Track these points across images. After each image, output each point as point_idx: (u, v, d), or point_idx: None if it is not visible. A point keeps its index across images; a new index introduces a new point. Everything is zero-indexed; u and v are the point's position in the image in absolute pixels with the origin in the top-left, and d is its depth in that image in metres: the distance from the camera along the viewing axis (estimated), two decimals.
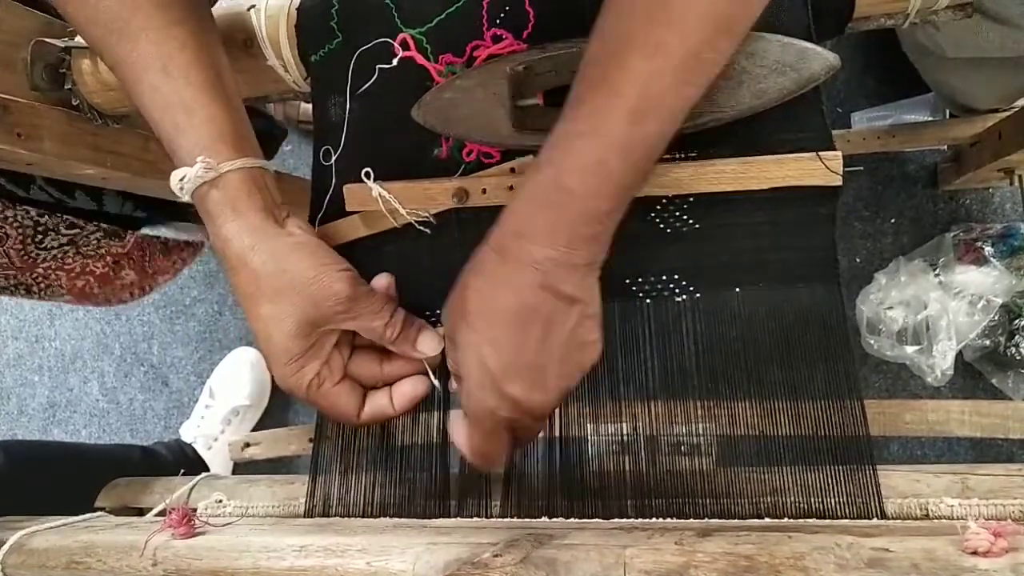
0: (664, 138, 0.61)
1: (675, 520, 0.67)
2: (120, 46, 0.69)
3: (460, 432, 0.68)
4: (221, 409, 1.79)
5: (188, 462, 1.70)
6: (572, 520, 0.70)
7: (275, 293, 0.68)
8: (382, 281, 0.76)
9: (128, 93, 0.72)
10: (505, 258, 0.61)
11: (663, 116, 0.59)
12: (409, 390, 0.74)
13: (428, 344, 0.73)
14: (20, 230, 1.06)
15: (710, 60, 0.59)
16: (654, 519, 0.68)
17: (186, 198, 0.69)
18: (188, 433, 1.79)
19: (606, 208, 0.60)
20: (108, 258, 1.19)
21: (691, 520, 0.67)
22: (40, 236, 1.09)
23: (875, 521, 0.63)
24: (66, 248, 1.13)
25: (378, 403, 0.74)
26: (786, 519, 0.65)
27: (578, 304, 0.62)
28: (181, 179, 0.68)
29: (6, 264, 1.08)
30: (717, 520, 0.67)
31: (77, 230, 1.12)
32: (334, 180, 0.79)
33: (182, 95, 0.69)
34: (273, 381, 1.81)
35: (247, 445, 1.34)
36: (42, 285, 1.15)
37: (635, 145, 0.59)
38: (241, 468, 1.69)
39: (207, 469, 1.70)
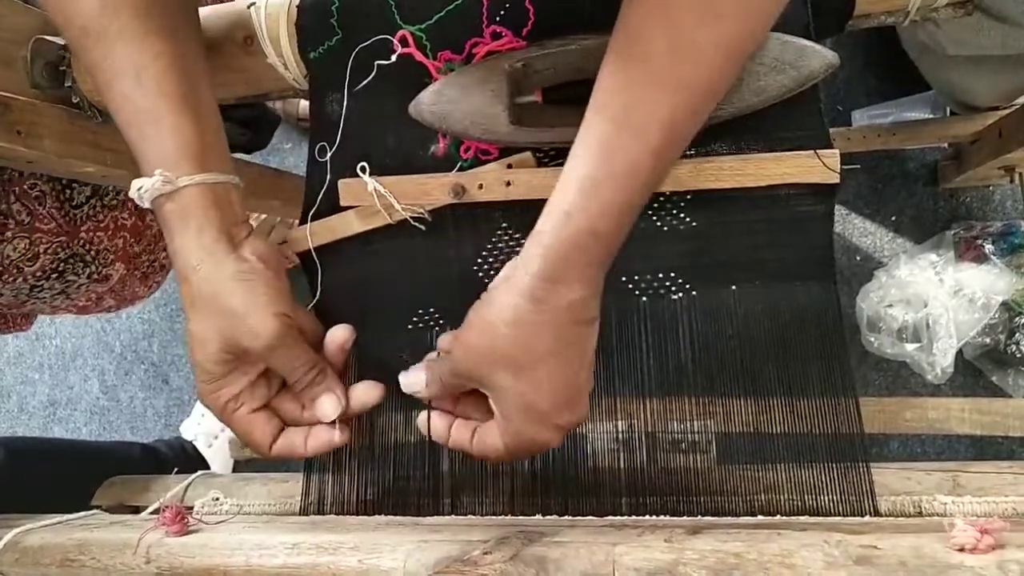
0: (674, 163, 0.64)
1: (665, 518, 0.68)
2: (95, 50, 0.69)
3: (457, 430, 0.70)
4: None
5: (189, 460, 1.70)
6: (563, 518, 0.70)
7: (206, 314, 0.68)
8: (338, 334, 0.76)
9: (101, 97, 0.72)
10: (540, 305, 0.61)
11: (679, 146, 0.62)
12: (325, 436, 0.73)
13: (328, 406, 0.72)
14: (49, 183, 1.07)
15: (721, 88, 0.61)
16: (646, 517, 0.68)
17: (146, 205, 0.69)
18: (189, 431, 1.79)
19: (623, 237, 0.62)
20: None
21: (681, 518, 0.67)
22: (68, 190, 1.10)
23: (864, 519, 0.64)
24: (93, 202, 1.14)
25: (291, 440, 0.73)
26: (779, 516, 0.65)
27: (596, 321, 0.64)
28: (139, 189, 0.68)
29: (55, 229, 1.08)
30: (707, 518, 0.67)
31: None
32: (329, 176, 0.79)
33: (151, 104, 0.68)
34: None
35: None
36: (92, 253, 1.16)
37: (657, 178, 0.62)
38: (242, 466, 1.69)
39: (207, 467, 1.70)
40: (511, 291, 0.62)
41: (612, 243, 0.61)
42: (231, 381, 0.70)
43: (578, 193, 0.60)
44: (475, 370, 0.65)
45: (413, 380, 0.71)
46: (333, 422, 0.72)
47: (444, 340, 0.72)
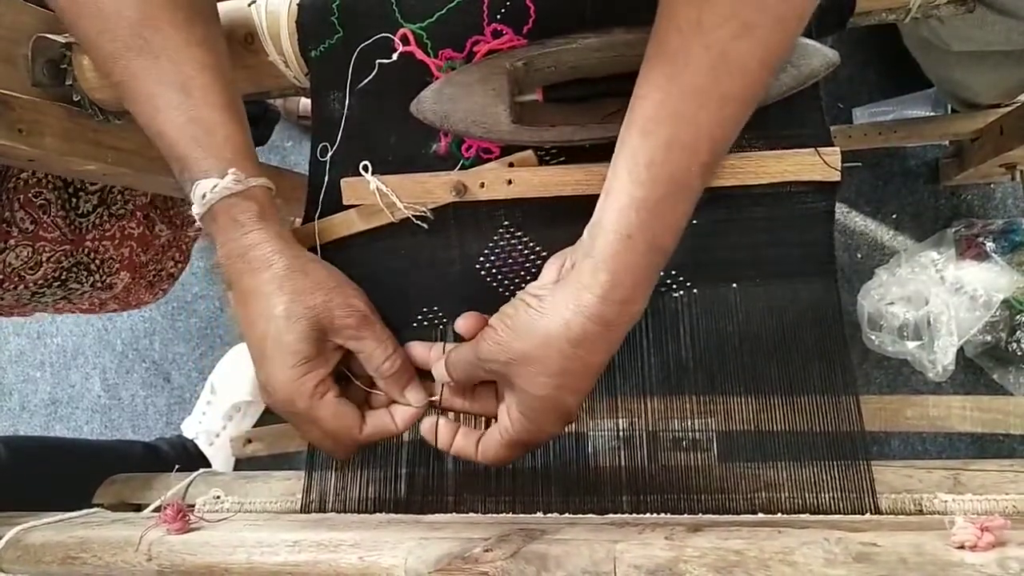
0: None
1: (666, 516, 0.68)
2: (136, 62, 0.70)
3: (460, 438, 0.72)
4: (223, 405, 1.79)
5: (190, 458, 1.71)
6: (564, 516, 0.70)
7: (296, 292, 0.69)
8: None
9: (135, 109, 0.72)
10: (610, 327, 0.62)
11: (722, 154, 0.64)
12: (412, 410, 0.74)
13: (415, 396, 0.74)
14: (55, 192, 1.07)
15: (763, 94, 0.62)
16: (647, 515, 0.68)
17: (202, 210, 0.70)
18: (190, 429, 1.79)
19: (675, 244, 0.64)
20: (139, 214, 1.20)
21: (682, 516, 0.67)
22: (74, 199, 1.10)
23: (864, 516, 0.64)
24: (100, 211, 1.14)
25: (381, 420, 0.74)
26: (780, 514, 0.65)
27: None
28: (212, 187, 0.69)
29: (59, 237, 1.08)
30: (708, 516, 0.67)
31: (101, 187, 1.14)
32: (331, 175, 0.79)
33: (202, 114, 0.70)
34: None
35: (249, 441, 1.34)
36: (97, 262, 1.16)
37: (704, 185, 0.63)
38: (243, 464, 1.69)
39: (209, 465, 1.70)
40: (576, 311, 0.62)
41: (667, 253, 0.63)
42: (318, 364, 0.70)
43: (637, 215, 0.60)
44: (514, 373, 0.65)
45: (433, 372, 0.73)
46: None
47: (463, 323, 0.73)
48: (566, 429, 0.72)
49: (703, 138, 0.59)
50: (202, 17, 0.73)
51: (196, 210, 0.70)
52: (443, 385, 0.73)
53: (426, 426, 0.73)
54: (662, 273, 0.72)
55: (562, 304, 0.62)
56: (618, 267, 0.61)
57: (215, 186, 0.69)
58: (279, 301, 0.69)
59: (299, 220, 0.82)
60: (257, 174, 0.72)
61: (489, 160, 0.76)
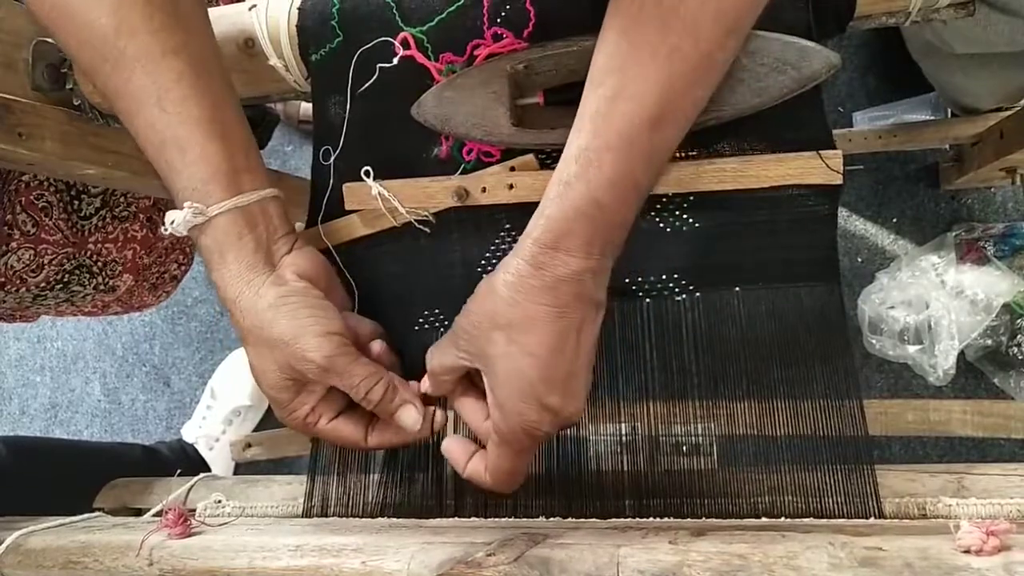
0: (678, 140, 0.63)
1: (669, 520, 0.67)
2: (115, 76, 0.67)
3: (475, 461, 0.70)
4: (222, 409, 1.79)
5: (190, 462, 1.71)
6: (567, 520, 0.70)
7: (256, 346, 0.69)
8: (375, 348, 0.75)
9: (128, 127, 0.70)
10: (542, 271, 0.61)
11: (679, 121, 0.61)
12: (409, 429, 0.72)
13: (407, 420, 0.71)
14: (57, 195, 1.07)
15: (721, 60, 0.61)
16: (650, 519, 0.68)
17: (183, 234, 0.69)
18: (190, 433, 1.79)
19: (632, 213, 0.63)
20: (141, 216, 1.20)
21: (685, 520, 0.67)
22: (76, 201, 1.10)
23: (869, 520, 0.63)
24: (102, 214, 1.14)
25: (384, 435, 0.73)
26: (783, 519, 0.65)
27: (602, 307, 0.65)
28: (172, 223, 0.68)
29: (62, 240, 1.08)
30: (711, 520, 0.67)
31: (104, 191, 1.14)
32: (333, 179, 0.79)
33: (176, 132, 0.67)
34: None
35: (249, 445, 1.34)
36: (99, 264, 1.15)
37: (656, 152, 0.62)
38: (243, 468, 1.69)
39: (208, 469, 1.70)
40: (514, 256, 0.63)
41: (615, 218, 0.62)
42: (301, 403, 0.70)
43: (575, 163, 0.60)
44: (473, 337, 0.65)
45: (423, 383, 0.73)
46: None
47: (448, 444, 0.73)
48: (570, 433, 0.72)
49: (649, 92, 0.58)
50: (181, 22, 0.69)
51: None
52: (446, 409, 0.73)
53: (445, 445, 0.72)
54: (664, 276, 0.72)
55: (508, 258, 0.63)
56: (553, 212, 0.61)
57: (173, 221, 0.68)
58: (248, 349, 0.70)
59: (301, 224, 0.82)
60: (232, 195, 0.69)
61: (490, 163, 0.75)
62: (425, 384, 0.73)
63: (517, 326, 0.62)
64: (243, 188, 0.70)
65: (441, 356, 0.70)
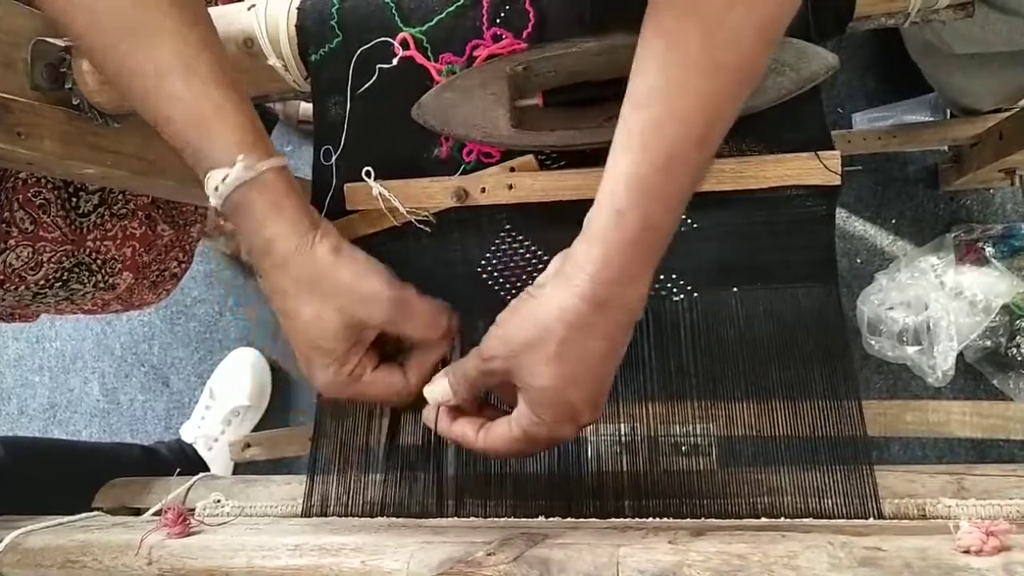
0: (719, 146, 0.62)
1: (669, 520, 0.67)
2: (135, 51, 0.67)
3: (463, 424, 0.69)
4: (221, 410, 1.79)
5: (189, 462, 1.70)
6: (567, 520, 0.70)
7: (318, 296, 0.68)
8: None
9: (136, 100, 0.69)
10: (604, 309, 0.61)
11: (722, 131, 0.60)
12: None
13: (434, 394, 0.71)
14: (55, 192, 1.07)
15: (761, 71, 0.61)
16: (650, 519, 0.68)
17: (219, 201, 0.68)
18: (188, 434, 1.79)
19: (675, 226, 0.62)
20: (140, 213, 1.20)
21: (685, 520, 0.67)
22: (74, 199, 1.09)
23: (869, 521, 0.63)
24: (100, 211, 1.14)
25: (422, 367, 0.73)
26: (783, 519, 0.65)
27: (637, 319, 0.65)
28: (223, 179, 0.66)
29: (60, 238, 1.08)
30: (711, 520, 0.67)
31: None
32: (334, 180, 0.79)
33: (211, 96, 0.67)
34: (273, 382, 1.82)
35: (247, 446, 1.34)
36: (99, 262, 1.15)
37: (702, 165, 0.61)
38: (242, 468, 1.69)
39: (207, 469, 1.70)
40: (570, 292, 0.61)
41: (668, 234, 0.61)
42: (352, 354, 0.70)
43: (627, 190, 0.59)
44: (516, 365, 0.64)
45: (438, 389, 0.70)
46: None
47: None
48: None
49: (696, 110, 0.57)
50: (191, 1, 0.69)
51: (213, 202, 0.68)
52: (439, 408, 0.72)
53: (427, 415, 0.72)
54: (662, 277, 0.72)
55: (558, 288, 0.62)
56: (609, 244, 0.60)
57: (225, 176, 0.66)
58: (305, 304, 0.68)
59: None
60: (268, 155, 0.68)
61: (490, 164, 0.76)
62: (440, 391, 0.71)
63: (572, 360, 0.62)
64: (273, 153, 0.70)
65: (465, 376, 0.69)
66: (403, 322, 0.70)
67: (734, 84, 0.58)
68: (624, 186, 0.59)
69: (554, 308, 0.61)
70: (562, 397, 0.63)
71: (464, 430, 0.69)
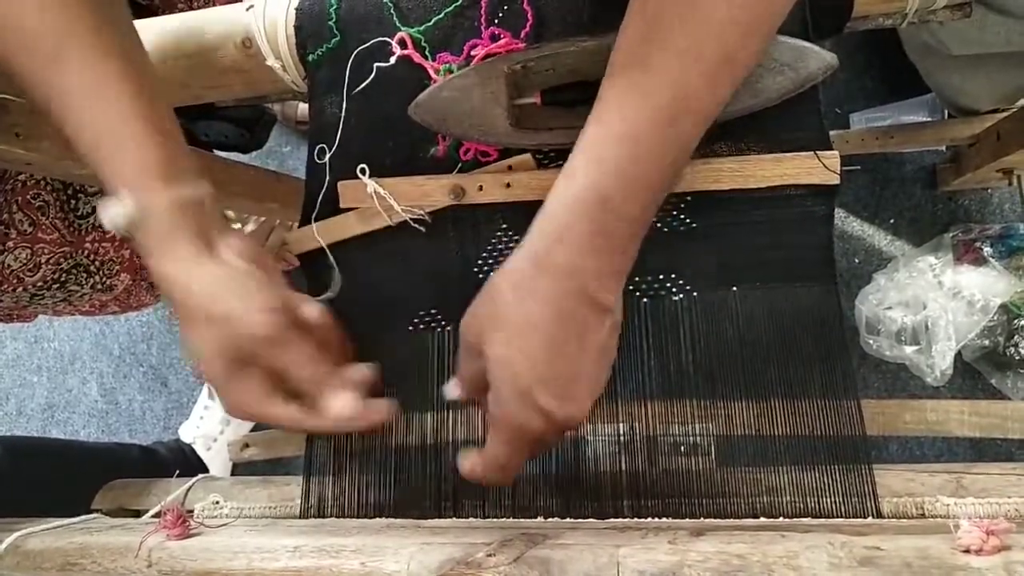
0: (696, 139, 0.60)
1: (669, 520, 0.67)
2: (48, 77, 0.66)
3: (471, 456, 0.67)
4: (220, 410, 1.79)
5: (187, 462, 1.70)
6: (566, 520, 0.70)
7: (197, 326, 0.67)
8: (315, 322, 0.72)
9: (57, 122, 0.68)
10: (542, 267, 0.59)
11: (698, 118, 0.59)
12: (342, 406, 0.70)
13: (335, 405, 0.68)
14: (54, 194, 1.06)
15: (743, 61, 0.59)
16: (649, 519, 0.68)
17: (119, 230, 0.67)
18: (187, 434, 1.79)
19: (642, 212, 0.60)
20: None
21: (684, 520, 0.67)
22: (72, 200, 1.09)
23: (868, 520, 0.63)
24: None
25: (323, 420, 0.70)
26: (782, 518, 0.65)
27: (610, 313, 0.62)
28: (112, 215, 0.66)
29: (58, 239, 1.08)
30: (711, 520, 0.67)
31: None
32: (328, 178, 0.79)
33: (112, 128, 0.67)
34: None
35: (246, 446, 1.34)
36: (97, 264, 1.15)
37: (672, 148, 0.59)
38: (240, 469, 1.69)
39: (206, 470, 1.70)
40: (518, 254, 0.61)
41: (621, 214, 0.59)
42: (243, 381, 0.68)
43: (581, 155, 0.59)
44: (476, 336, 0.63)
45: (450, 387, 0.70)
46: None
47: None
48: (568, 433, 0.71)
49: (663, 84, 0.56)
50: (113, 22, 0.68)
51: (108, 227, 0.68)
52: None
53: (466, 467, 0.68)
54: (661, 276, 0.72)
55: (512, 254, 0.62)
56: (555, 204, 0.59)
57: (115, 212, 0.66)
58: (188, 332, 0.68)
59: (295, 224, 0.82)
60: (168, 187, 0.67)
61: (487, 163, 0.76)
62: (452, 389, 0.70)
63: (515, 326, 0.60)
64: (179, 181, 0.68)
65: (463, 364, 0.68)
66: (282, 357, 0.68)
67: (709, 68, 0.57)
68: (581, 151, 0.59)
69: (505, 271, 0.62)
70: (513, 370, 0.61)
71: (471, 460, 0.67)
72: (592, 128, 0.59)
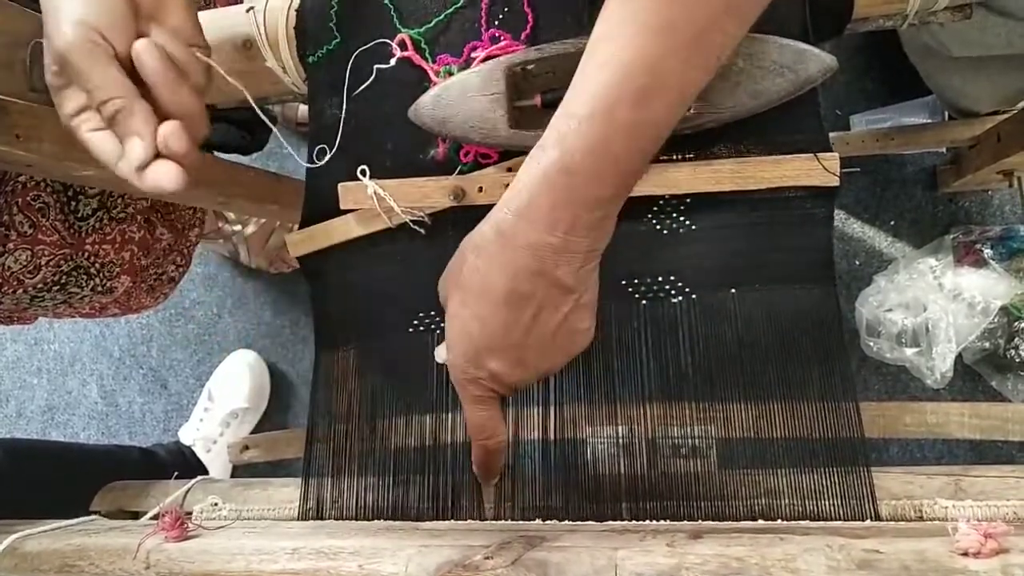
0: (671, 122, 0.58)
1: (667, 522, 0.67)
2: None
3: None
4: (220, 412, 1.79)
5: (187, 464, 1.70)
6: (565, 523, 0.70)
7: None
8: (143, 56, 0.63)
9: None
10: (503, 239, 0.60)
11: (671, 99, 0.57)
12: (162, 173, 0.63)
13: (132, 154, 0.63)
14: (54, 196, 1.06)
15: (718, 43, 0.57)
16: (647, 521, 0.68)
17: None
18: (187, 436, 1.79)
19: (609, 193, 0.59)
20: (139, 217, 1.20)
21: (683, 522, 0.67)
22: (73, 202, 1.09)
23: (866, 523, 0.63)
24: (100, 215, 1.14)
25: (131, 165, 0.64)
26: (780, 521, 0.65)
27: (573, 293, 0.61)
28: None
29: (59, 241, 1.08)
30: (709, 522, 0.67)
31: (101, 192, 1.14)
32: (328, 180, 0.79)
33: None
34: (272, 384, 1.82)
35: (246, 448, 1.34)
36: (97, 266, 1.15)
37: (641, 128, 0.57)
38: (240, 471, 1.69)
39: (206, 472, 1.70)
40: (486, 222, 0.62)
41: (586, 192, 0.58)
42: (69, 95, 0.64)
43: (552, 128, 0.58)
44: (444, 300, 0.66)
45: (440, 349, 0.70)
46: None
47: None
48: (567, 435, 0.71)
49: (638, 63, 0.55)
50: None
51: None
52: None
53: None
54: (660, 278, 0.72)
55: (483, 220, 0.63)
56: (525, 175, 0.59)
57: None
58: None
59: (296, 226, 0.82)
60: None
61: (487, 165, 0.76)
62: (441, 351, 0.70)
63: (472, 290, 0.62)
64: None
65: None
66: (77, 79, 0.62)
67: (684, 47, 0.55)
68: (552, 125, 0.58)
69: (471, 235, 0.63)
70: (464, 327, 0.63)
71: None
72: (565, 103, 0.58)
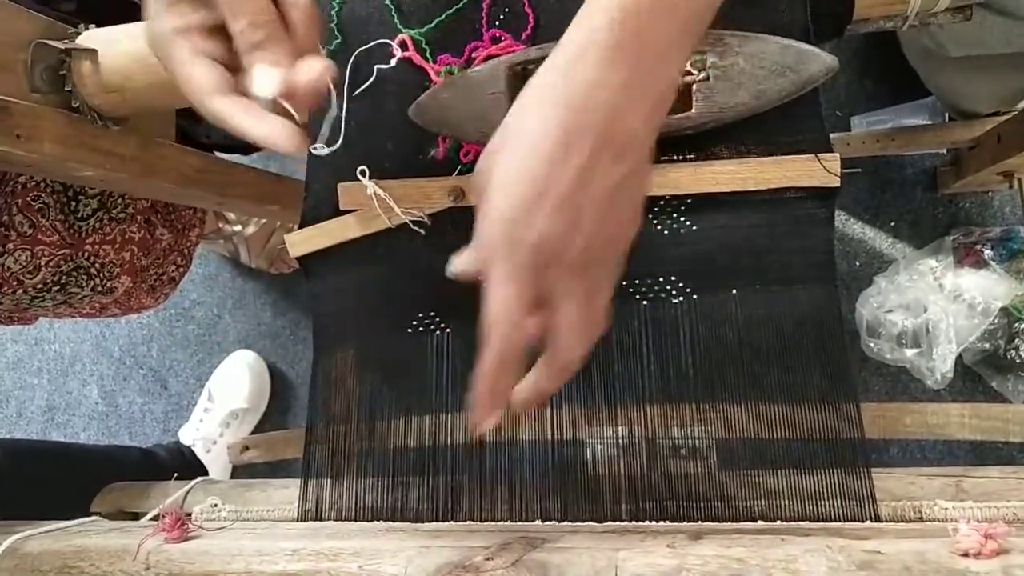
0: None
1: (667, 523, 0.67)
2: None
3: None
4: (220, 412, 1.79)
5: (187, 465, 1.70)
6: (565, 524, 0.70)
7: None
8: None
9: None
10: (567, 77, 0.52)
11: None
12: (270, 127, 0.58)
13: (257, 82, 0.58)
14: (54, 196, 1.06)
15: None
16: (648, 522, 0.68)
17: None
18: (187, 436, 1.78)
19: (668, 39, 0.52)
20: (139, 217, 1.20)
21: (683, 523, 0.67)
22: (73, 203, 1.09)
23: (867, 524, 0.63)
24: (100, 215, 1.14)
25: (235, 107, 0.59)
26: (780, 522, 0.65)
27: (632, 152, 0.53)
28: None
29: (59, 241, 1.08)
30: (709, 523, 0.67)
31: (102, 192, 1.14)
32: (328, 180, 0.79)
33: None
34: (272, 384, 1.82)
35: (246, 448, 1.34)
36: (97, 266, 1.15)
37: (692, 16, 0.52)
38: (240, 471, 1.69)
39: (206, 472, 1.69)
40: (542, 71, 0.53)
41: (647, 39, 0.51)
42: (180, 10, 0.59)
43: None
44: (484, 167, 0.55)
45: (461, 258, 0.58)
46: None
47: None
48: (567, 435, 0.71)
49: None
50: None
51: None
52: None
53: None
54: (660, 279, 0.72)
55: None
56: (579, 21, 0.53)
57: None
58: None
59: (296, 226, 0.82)
60: None
61: None
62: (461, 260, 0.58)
63: (520, 132, 0.53)
64: None
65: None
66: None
67: None
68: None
69: (522, 90, 0.54)
70: (508, 175, 0.53)
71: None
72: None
